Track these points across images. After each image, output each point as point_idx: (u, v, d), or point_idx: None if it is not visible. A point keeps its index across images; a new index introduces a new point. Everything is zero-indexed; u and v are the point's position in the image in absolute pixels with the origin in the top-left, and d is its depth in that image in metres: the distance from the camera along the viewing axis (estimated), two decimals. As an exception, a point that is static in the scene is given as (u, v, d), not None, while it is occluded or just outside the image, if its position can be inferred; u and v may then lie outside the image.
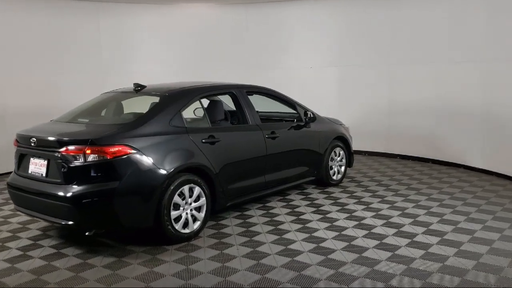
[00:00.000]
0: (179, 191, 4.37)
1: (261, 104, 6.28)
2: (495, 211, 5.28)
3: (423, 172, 7.49)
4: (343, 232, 4.65)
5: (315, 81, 9.59)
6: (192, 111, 5.83)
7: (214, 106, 5.35)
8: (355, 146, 9.25)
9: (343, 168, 6.81)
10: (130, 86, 5.23)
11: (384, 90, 8.85)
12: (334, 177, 6.62)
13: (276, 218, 5.10)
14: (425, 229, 4.72)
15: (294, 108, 6.14)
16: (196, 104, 5.10)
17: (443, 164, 8.08)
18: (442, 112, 7.97)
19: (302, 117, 6.05)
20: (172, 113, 4.55)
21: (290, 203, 5.72)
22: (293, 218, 5.12)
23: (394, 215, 5.20)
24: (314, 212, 5.35)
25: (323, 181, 6.51)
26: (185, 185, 4.42)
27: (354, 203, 5.72)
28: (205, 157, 4.62)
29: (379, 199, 5.87)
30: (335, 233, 4.62)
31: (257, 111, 6.30)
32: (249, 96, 6.34)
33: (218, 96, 5.65)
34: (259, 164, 5.32)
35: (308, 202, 5.76)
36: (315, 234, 4.61)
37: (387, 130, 8.92)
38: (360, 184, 6.71)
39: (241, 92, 5.41)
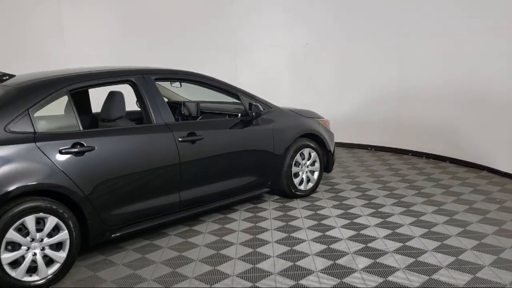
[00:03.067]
0: (16, 224, 3.10)
1: (208, 94, 4.89)
2: None
3: (430, 175, 5.79)
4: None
5: (309, 61, 7.99)
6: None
7: (110, 100, 4.00)
8: (357, 139, 7.73)
9: (316, 174, 5.27)
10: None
11: (393, 71, 7.11)
12: (302, 187, 5.11)
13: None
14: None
15: (238, 99, 4.66)
16: (78, 98, 3.79)
17: (463, 165, 6.30)
18: (466, 98, 6.15)
19: (247, 111, 4.57)
20: (11, 114, 3.26)
21: (228, 215, 4.33)
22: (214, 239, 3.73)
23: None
24: (246, 232, 3.92)
25: (286, 192, 5.03)
26: (28, 215, 3.14)
27: (310, 227, 4.22)
28: (65, 174, 3.31)
29: (346, 223, 4.32)
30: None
31: (198, 104, 4.94)
32: (179, 85, 4.97)
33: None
34: (166, 178, 3.94)
35: (248, 218, 4.33)
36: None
37: (397, 121, 7.19)
38: (338, 196, 5.15)
39: (144, 80, 4.02)
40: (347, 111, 7.76)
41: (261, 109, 4.56)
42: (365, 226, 4.19)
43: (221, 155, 4.32)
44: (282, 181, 4.93)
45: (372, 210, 4.61)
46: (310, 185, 5.22)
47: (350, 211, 4.62)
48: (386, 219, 4.35)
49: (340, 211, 4.62)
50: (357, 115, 7.65)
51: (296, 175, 5.08)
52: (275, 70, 8.59)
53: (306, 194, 5.15)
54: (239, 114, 4.66)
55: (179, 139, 3.99)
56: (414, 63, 6.81)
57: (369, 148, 7.66)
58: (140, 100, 4.03)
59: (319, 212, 4.64)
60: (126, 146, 3.73)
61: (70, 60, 7.12)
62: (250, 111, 4.52)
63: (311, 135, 5.20)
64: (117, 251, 3.82)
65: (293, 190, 5.02)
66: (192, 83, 4.52)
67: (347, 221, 4.33)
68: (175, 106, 5.26)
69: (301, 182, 5.12)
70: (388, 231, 4.05)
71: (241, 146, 4.50)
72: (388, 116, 7.26)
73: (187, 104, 5.16)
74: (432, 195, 5.02)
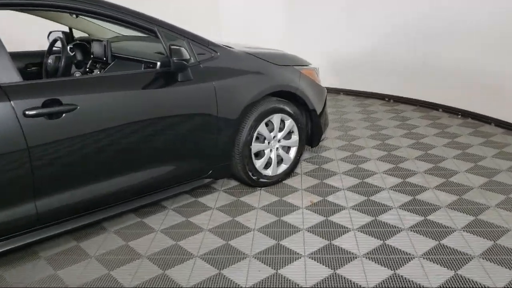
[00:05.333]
0: None
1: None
2: None
3: (467, 148, 3.97)
4: None
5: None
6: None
7: None
8: (371, 86, 5.81)
9: (293, 151, 3.54)
10: None
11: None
12: (268, 171, 3.42)
13: None
14: None
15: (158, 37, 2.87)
16: None
17: (502, 126, 4.46)
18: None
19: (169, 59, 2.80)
20: None
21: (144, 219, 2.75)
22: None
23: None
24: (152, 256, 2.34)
25: (244, 180, 3.36)
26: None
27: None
28: None
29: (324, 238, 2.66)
30: None
31: (107, 44, 3.22)
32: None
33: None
34: (4, 178, 2.31)
35: (167, 229, 2.73)
36: None
37: (425, 65, 5.24)
38: (322, 187, 3.45)
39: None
40: (357, 51, 5.83)
41: (186, 56, 2.78)
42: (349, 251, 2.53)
43: (114, 134, 2.63)
44: (235, 165, 3.25)
45: (370, 218, 2.92)
46: (283, 167, 3.51)
47: (335, 218, 2.94)
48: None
49: (326, 209, 2.95)
50: (371, 56, 5.71)
51: (261, 154, 3.37)
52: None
53: (275, 181, 3.47)
54: (158, 64, 2.89)
55: (25, 112, 2.30)
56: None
57: (386, 99, 5.79)
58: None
59: (286, 217, 2.98)
60: None
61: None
62: (171, 59, 2.75)
63: (287, 94, 3.43)
64: None
65: (253, 177, 3.34)
66: (78, 13, 2.73)
67: (326, 239, 2.67)
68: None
69: (268, 165, 3.42)
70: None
71: (155, 117, 2.77)
72: (413, 59, 5.31)
73: (95, 44, 3.42)
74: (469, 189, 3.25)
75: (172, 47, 2.73)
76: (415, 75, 5.35)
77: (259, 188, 3.42)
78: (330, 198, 3.23)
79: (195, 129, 2.95)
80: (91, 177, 2.61)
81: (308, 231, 2.82)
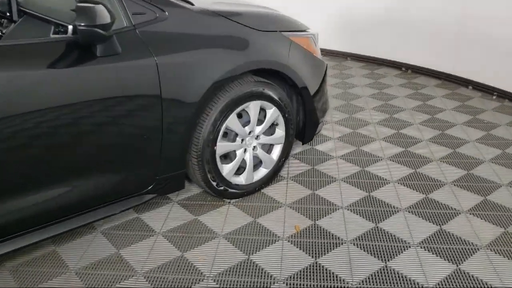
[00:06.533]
0: None
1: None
2: None
3: (507, 147, 3.02)
4: None
5: None
6: None
7: None
8: (385, 52, 4.69)
9: (277, 150, 2.61)
10: None
11: None
12: (241, 178, 2.49)
13: None
14: None
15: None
16: None
17: None
18: None
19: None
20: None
21: None
22: None
23: None
24: None
25: (218, 191, 2.45)
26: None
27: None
28: None
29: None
30: None
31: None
32: None
33: None
34: None
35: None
36: None
37: (457, 31, 4.18)
38: (315, 198, 2.54)
39: None
40: (371, 9, 4.73)
41: (104, 18, 1.77)
42: None
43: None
44: (193, 172, 2.33)
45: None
46: (262, 172, 2.59)
47: (327, 257, 2.05)
48: None
49: (320, 241, 2.05)
50: (387, 15, 4.62)
51: (231, 157, 2.44)
52: None
53: (250, 191, 2.55)
54: (70, 28, 1.88)
55: None
56: None
57: (403, 69, 4.75)
58: None
59: (258, 256, 2.08)
60: None
61: None
62: (76, 24, 1.76)
63: (269, 72, 2.45)
64: None
65: (219, 188, 2.42)
66: None
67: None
68: None
69: (240, 170, 2.49)
70: None
71: (62, 112, 1.82)
72: (444, 20, 4.24)
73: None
74: None
75: (79, 4, 1.73)
76: (443, 41, 4.29)
77: (228, 201, 2.51)
78: (323, 222, 2.32)
79: (125, 126, 2.00)
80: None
81: (289, 285, 1.93)
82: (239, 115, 2.39)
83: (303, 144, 2.90)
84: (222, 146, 2.34)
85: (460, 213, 2.36)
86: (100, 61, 1.85)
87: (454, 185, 2.62)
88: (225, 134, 2.37)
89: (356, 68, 4.84)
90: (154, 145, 2.10)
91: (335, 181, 2.68)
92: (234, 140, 2.39)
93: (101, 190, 2.03)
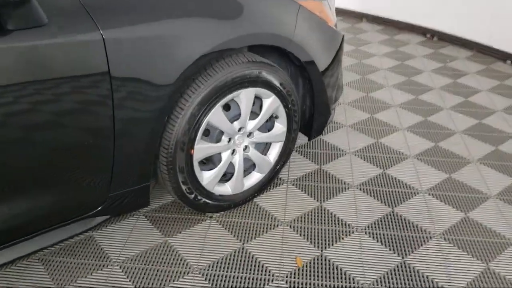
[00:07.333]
0: None
1: None
2: None
3: None
4: None
5: None
6: None
7: None
8: (403, 13, 3.93)
9: (275, 150, 2.02)
10: None
11: None
12: (228, 187, 1.91)
13: None
14: None
15: None
16: None
17: None
18: None
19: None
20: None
21: None
22: None
23: None
24: None
25: (196, 204, 1.87)
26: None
27: None
28: None
29: None
30: None
31: None
32: None
33: None
34: None
35: None
36: None
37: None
38: (322, 211, 1.97)
39: None
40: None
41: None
42: None
43: None
44: (163, 182, 1.75)
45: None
46: (256, 177, 2.00)
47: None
48: None
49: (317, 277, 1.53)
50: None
51: (214, 161, 1.85)
52: None
53: (240, 202, 1.98)
54: None
55: None
56: None
57: (428, 36, 4.06)
58: None
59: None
60: None
61: None
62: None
63: (268, 48, 1.82)
64: None
65: (197, 201, 1.84)
66: None
67: None
68: None
69: (226, 177, 1.91)
70: None
71: None
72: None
73: None
74: None
75: None
76: (479, 5, 3.59)
77: (209, 216, 1.94)
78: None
79: (57, 129, 1.39)
80: None
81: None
82: (226, 107, 1.78)
83: (309, 140, 2.30)
84: (201, 149, 1.74)
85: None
86: (11, 37, 1.22)
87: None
88: (207, 132, 1.77)
89: (373, 33, 4.15)
90: (102, 153, 1.50)
91: (349, 188, 2.11)
92: (218, 140, 1.80)
93: (22, 217, 1.44)
